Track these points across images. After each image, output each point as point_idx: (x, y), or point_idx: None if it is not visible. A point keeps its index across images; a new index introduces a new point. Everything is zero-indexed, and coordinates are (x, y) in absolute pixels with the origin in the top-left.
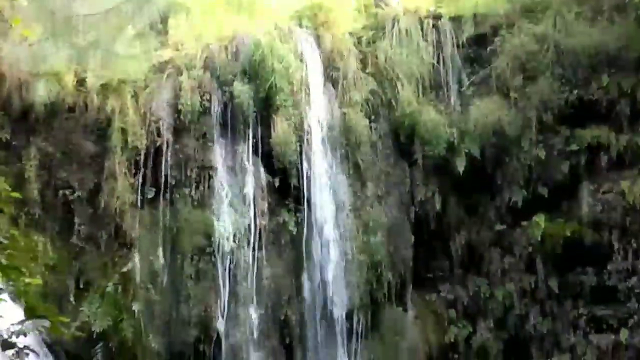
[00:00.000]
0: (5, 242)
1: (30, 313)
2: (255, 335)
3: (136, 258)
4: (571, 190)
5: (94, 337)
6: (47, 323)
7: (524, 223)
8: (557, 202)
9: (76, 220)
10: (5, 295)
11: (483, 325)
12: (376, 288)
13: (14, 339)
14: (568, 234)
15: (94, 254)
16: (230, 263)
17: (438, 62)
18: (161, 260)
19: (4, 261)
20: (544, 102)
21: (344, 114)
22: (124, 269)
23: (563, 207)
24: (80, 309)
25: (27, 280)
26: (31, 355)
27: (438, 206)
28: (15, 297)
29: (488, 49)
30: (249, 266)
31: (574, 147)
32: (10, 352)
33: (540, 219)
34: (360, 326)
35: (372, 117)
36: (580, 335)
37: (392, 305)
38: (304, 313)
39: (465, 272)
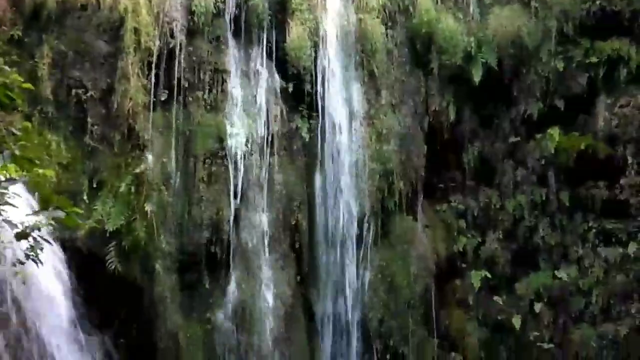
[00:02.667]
0: (19, 134)
1: (45, 204)
2: (266, 239)
3: (149, 160)
4: (588, 103)
5: (107, 236)
6: (61, 214)
7: (538, 136)
8: (573, 116)
9: (89, 120)
10: (19, 187)
11: (492, 236)
12: (387, 196)
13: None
14: (582, 147)
15: (107, 154)
16: (242, 167)
17: None
18: (174, 162)
19: (17, 152)
20: (566, 12)
21: (360, 20)
22: (137, 170)
23: (579, 121)
24: (94, 207)
25: (41, 171)
26: (46, 247)
27: (452, 116)
28: (29, 189)
29: None
30: (260, 171)
31: (594, 59)
32: (25, 245)
33: (554, 131)
34: (370, 233)
35: (389, 23)
36: (588, 248)
37: (402, 213)
38: (314, 219)
39: (477, 184)
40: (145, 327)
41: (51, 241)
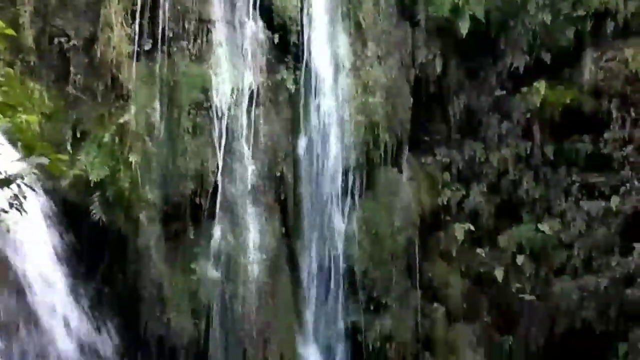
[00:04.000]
0: (1, 79)
1: (28, 151)
2: (251, 190)
3: (132, 110)
4: (574, 57)
5: (91, 186)
6: (45, 161)
7: (524, 89)
8: (559, 69)
9: (72, 69)
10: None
11: (476, 189)
12: (372, 149)
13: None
14: (567, 101)
15: (91, 104)
16: (227, 119)
17: None
18: (158, 113)
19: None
20: None
21: None
22: (121, 120)
23: (564, 74)
24: (77, 158)
25: (24, 117)
26: (29, 197)
27: (439, 69)
28: (11, 138)
29: None
30: (245, 122)
31: (581, 12)
32: (9, 193)
33: (540, 85)
34: (356, 185)
35: None
36: (571, 202)
37: (387, 166)
38: (299, 171)
39: (462, 137)
40: (130, 277)
41: (35, 188)
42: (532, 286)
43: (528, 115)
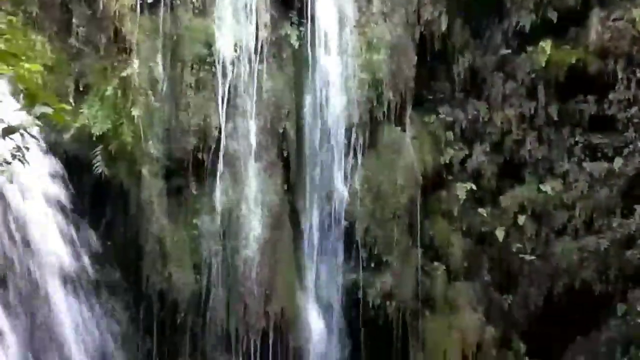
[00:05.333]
0: (3, 27)
1: (31, 100)
2: (254, 146)
3: (135, 64)
4: (581, 16)
5: (94, 139)
6: (49, 110)
7: (530, 49)
8: (565, 29)
9: (74, 21)
10: (3, 85)
11: (479, 149)
12: (376, 106)
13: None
14: (573, 61)
15: (93, 57)
16: (230, 74)
17: None
18: (161, 67)
19: (2, 46)
20: None
21: None
22: (124, 74)
23: (570, 34)
24: (80, 110)
25: (27, 65)
26: (33, 147)
27: (444, 27)
28: (14, 90)
29: None
30: (249, 78)
31: None
32: (12, 145)
33: (546, 44)
34: (358, 143)
35: None
36: (574, 162)
37: (390, 124)
38: (302, 127)
39: (466, 96)
40: (132, 231)
41: (39, 138)
42: (533, 246)
43: (533, 75)
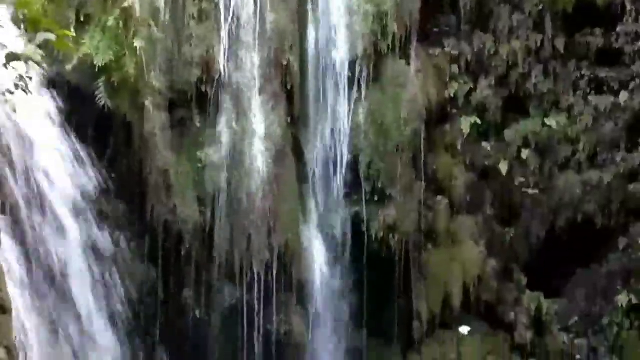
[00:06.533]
0: None
1: (33, 26)
2: (257, 79)
3: None
4: None
5: (96, 71)
6: (52, 36)
7: None
8: None
9: None
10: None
11: (484, 83)
12: (380, 39)
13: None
14: None
15: None
16: (233, 5)
17: None
18: None
19: None
20: None
21: None
22: (125, 4)
23: None
24: (82, 41)
25: None
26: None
27: None
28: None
29: None
30: (252, 9)
31: None
32: (15, 74)
33: None
34: (362, 76)
35: None
36: (579, 96)
37: (395, 57)
38: (306, 60)
39: (472, 28)
40: (136, 164)
41: (43, 65)
42: (536, 180)
43: (540, 7)
